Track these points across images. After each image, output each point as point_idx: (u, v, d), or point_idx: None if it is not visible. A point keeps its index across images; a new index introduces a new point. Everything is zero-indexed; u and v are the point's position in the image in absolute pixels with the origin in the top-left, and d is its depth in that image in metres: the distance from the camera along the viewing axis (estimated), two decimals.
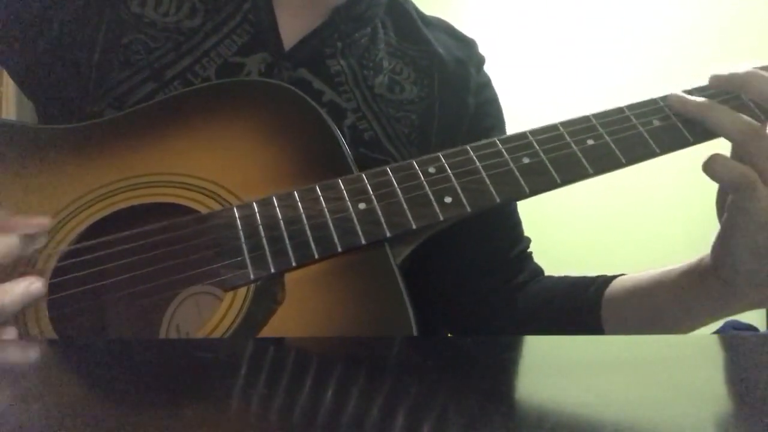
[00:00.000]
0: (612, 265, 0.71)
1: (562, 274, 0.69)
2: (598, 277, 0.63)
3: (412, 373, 0.31)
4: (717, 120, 0.50)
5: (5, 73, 0.67)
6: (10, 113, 2.10)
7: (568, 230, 2.15)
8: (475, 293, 0.68)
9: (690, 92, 0.53)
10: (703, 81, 0.54)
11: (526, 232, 0.71)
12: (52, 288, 0.45)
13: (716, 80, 0.53)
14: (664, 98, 0.53)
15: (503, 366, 0.33)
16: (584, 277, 0.65)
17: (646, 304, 0.58)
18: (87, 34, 0.59)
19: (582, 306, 0.61)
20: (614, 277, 0.62)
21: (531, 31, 2.38)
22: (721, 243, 0.51)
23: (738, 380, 0.30)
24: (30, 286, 0.41)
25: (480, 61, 0.72)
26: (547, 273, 0.71)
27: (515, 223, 0.70)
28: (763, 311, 1.92)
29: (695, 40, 2.12)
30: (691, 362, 0.33)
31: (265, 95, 0.54)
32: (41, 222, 0.45)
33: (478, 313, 0.68)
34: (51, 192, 0.49)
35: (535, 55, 2.36)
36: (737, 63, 0.52)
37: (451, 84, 0.68)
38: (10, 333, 0.41)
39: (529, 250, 0.71)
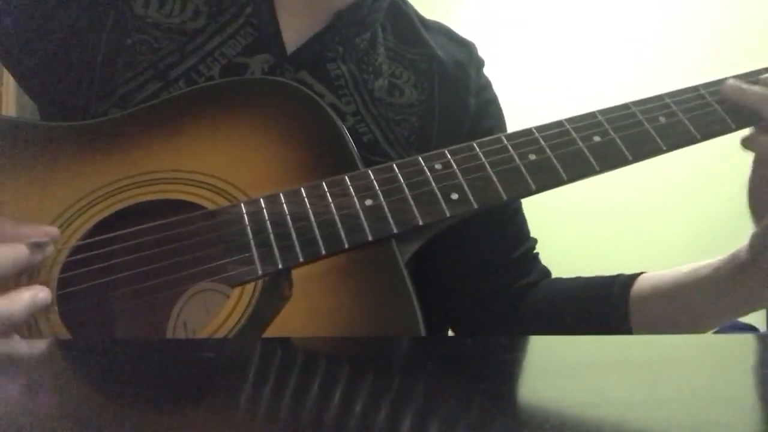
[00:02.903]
0: (617, 265, 0.71)
1: (567, 276, 0.69)
2: (616, 276, 0.63)
3: (413, 373, 0.31)
4: None
5: (5, 73, 0.67)
6: (9, 113, 2.09)
7: (571, 231, 2.15)
8: (480, 293, 0.67)
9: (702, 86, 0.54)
10: (705, 79, 0.54)
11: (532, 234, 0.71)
12: (61, 283, 0.45)
13: (731, 90, 0.53)
14: (670, 95, 0.53)
15: (505, 366, 0.33)
16: (600, 277, 0.65)
17: (677, 301, 0.58)
18: (91, 35, 0.60)
19: (608, 305, 0.61)
20: (634, 276, 0.62)
21: (530, 34, 2.39)
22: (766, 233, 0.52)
23: (738, 380, 0.30)
24: (36, 296, 0.42)
25: (479, 63, 0.72)
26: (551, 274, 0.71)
27: (520, 223, 0.70)
28: (763, 312, 1.92)
29: (697, 39, 2.13)
30: (691, 362, 0.33)
31: (272, 93, 0.54)
32: (49, 231, 0.45)
33: (484, 313, 0.68)
34: (58, 189, 0.49)
35: (534, 58, 2.36)
36: (739, 63, 0.53)
37: (451, 86, 0.68)
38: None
39: (535, 251, 0.71)
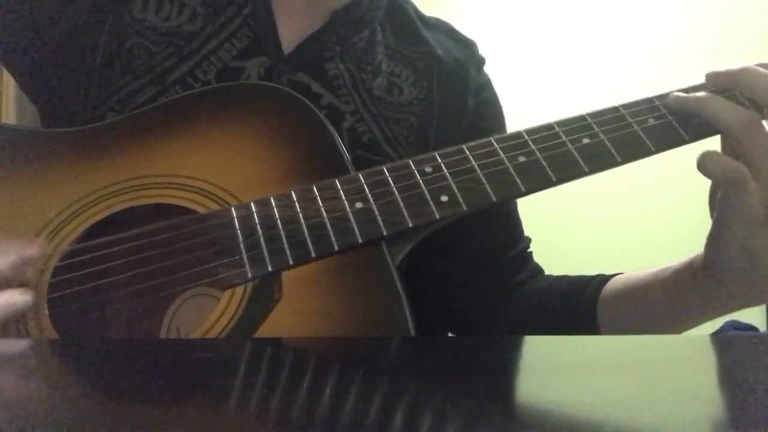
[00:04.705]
0: (613, 263, 0.71)
1: (562, 274, 0.69)
2: (595, 276, 0.63)
3: (411, 373, 0.31)
4: (715, 112, 0.49)
5: (5, 74, 0.67)
6: (9, 114, 2.10)
7: (567, 229, 2.15)
8: (474, 293, 0.68)
9: (686, 90, 0.53)
10: (701, 81, 0.54)
11: (527, 232, 0.71)
12: (52, 287, 0.45)
13: (713, 76, 0.52)
14: (660, 97, 0.52)
15: (503, 366, 0.33)
16: (582, 277, 0.64)
17: (640, 303, 0.58)
18: (90, 39, 0.60)
19: (578, 306, 0.61)
20: (611, 276, 0.62)
21: (530, 32, 2.39)
22: (712, 240, 0.51)
23: (738, 381, 0.30)
24: (10, 298, 0.42)
25: (480, 62, 0.72)
26: (547, 272, 0.71)
27: (515, 223, 0.70)
28: (763, 312, 1.91)
29: (693, 40, 2.12)
30: (691, 363, 0.33)
31: (264, 98, 0.54)
32: (31, 251, 0.44)
33: (476, 312, 0.68)
34: (52, 193, 0.49)
35: (534, 56, 2.36)
36: (739, 62, 0.52)
37: (451, 85, 0.68)
38: None
39: (529, 249, 0.71)
